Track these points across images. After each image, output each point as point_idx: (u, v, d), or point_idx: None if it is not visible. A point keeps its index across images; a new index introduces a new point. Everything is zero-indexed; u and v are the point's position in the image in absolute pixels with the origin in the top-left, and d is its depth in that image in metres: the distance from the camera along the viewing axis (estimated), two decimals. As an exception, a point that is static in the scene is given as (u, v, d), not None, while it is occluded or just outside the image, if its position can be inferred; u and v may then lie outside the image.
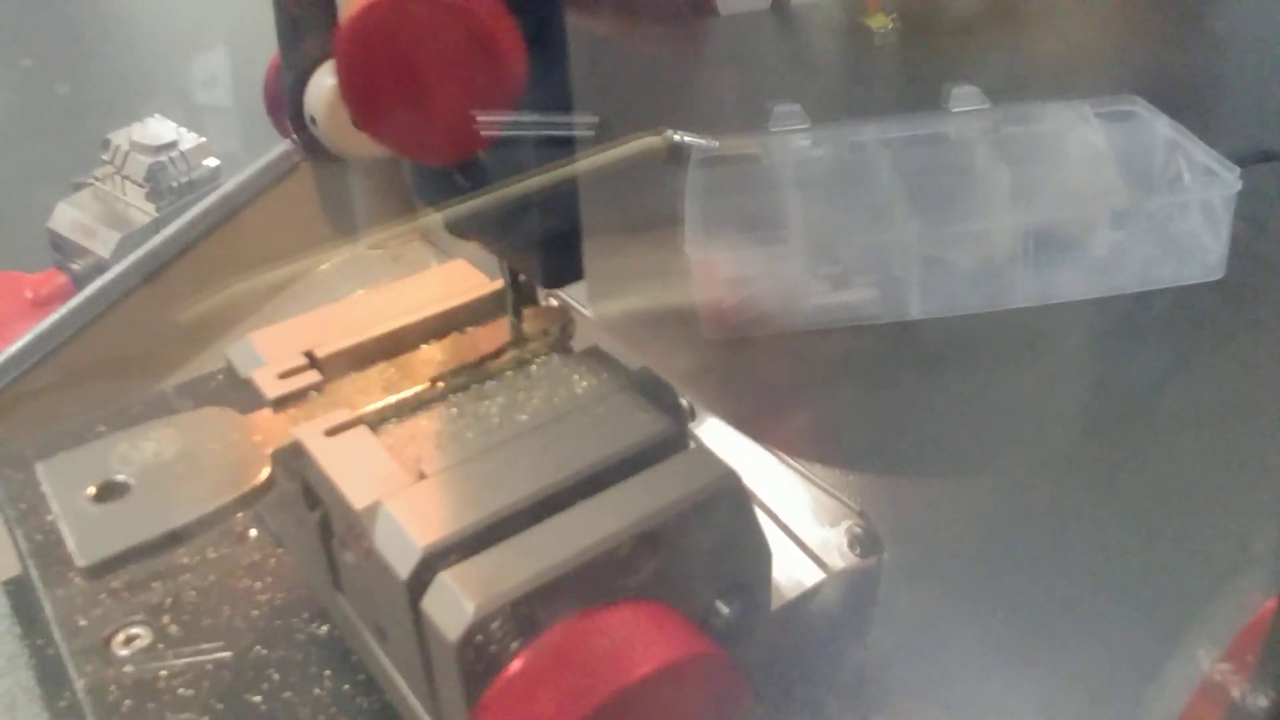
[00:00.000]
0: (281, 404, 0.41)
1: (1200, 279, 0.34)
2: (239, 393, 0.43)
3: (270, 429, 0.40)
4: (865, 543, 0.41)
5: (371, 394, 0.41)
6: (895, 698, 0.41)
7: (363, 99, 0.33)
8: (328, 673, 0.44)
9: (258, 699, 0.43)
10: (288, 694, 0.43)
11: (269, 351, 0.43)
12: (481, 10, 0.32)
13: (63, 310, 0.72)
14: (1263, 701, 0.26)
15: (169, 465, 0.38)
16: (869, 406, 0.35)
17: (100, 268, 1.08)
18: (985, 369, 0.36)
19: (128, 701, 0.43)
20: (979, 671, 0.40)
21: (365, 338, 0.44)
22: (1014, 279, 0.36)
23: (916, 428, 0.35)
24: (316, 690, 0.43)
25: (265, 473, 0.38)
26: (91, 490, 0.37)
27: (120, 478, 0.37)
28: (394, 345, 0.44)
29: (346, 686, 0.43)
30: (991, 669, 0.40)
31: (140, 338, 0.73)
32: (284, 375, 0.42)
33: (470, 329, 0.45)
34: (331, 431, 0.39)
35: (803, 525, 0.42)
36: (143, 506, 0.36)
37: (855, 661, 0.42)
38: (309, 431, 0.39)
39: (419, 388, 0.41)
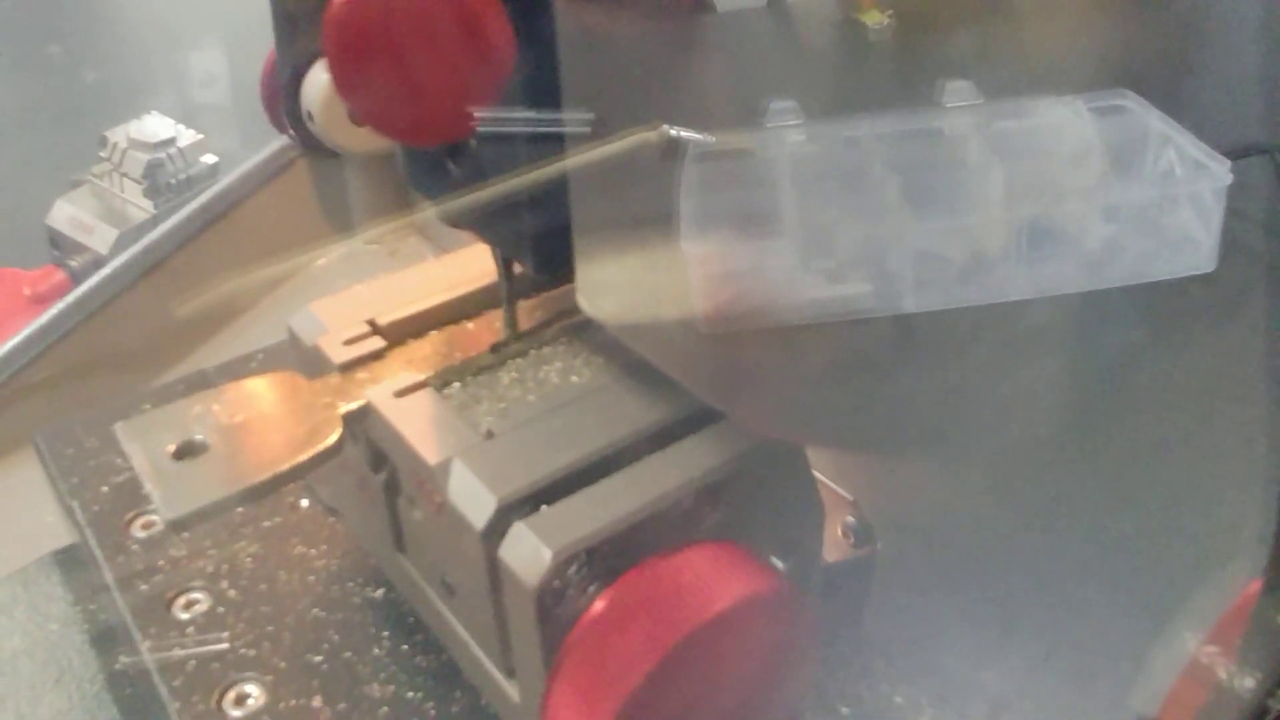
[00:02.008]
0: (348, 369, 0.42)
1: (1191, 271, 0.34)
2: (284, 368, 0.44)
3: (338, 392, 0.41)
4: (859, 533, 0.42)
5: (433, 360, 0.43)
6: (887, 683, 0.41)
7: (351, 79, 0.34)
8: (386, 634, 0.45)
9: (319, 659, 0.44)
10: (348, 654, 0.45)
11: (330, 320, 0.44)
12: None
13: (60, 306, 0.72)
14: (1249, 683, 0.27)
15: (244, 426, 0.39)
16: (863, 394, 0.36)
17: (98, 264, 1.08)
18: (977, 358, 0.36)
19: (192, 661, 0.44)
20: (968, 657, 0.40)
21: (425, 306, 0.45)
22: (1007, 272, 0.36)
23: (908, 415, 0.35)
24: (375, 650, 0.45)
25: (337, 433, 0.39)
26: (171, 448, 0.38)
27: (198, 437, 0.38)
28: (452, 314, 0.46)
29: (404, 646, 0.45)
30: (981, 654, 0.40)
31: (138, 333, 0.73)
32: (349, 342, 0.43)
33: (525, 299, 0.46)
34: (399, 394, 0.40)
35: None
36: (222, 464, 0.38)
37: (848, 649, 0.43)
38: (379, 393, 0.40)
39: (479, 354, 0.42)
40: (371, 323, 0.44)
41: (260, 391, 0.41)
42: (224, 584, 0.48)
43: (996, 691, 0.40)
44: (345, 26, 0.33)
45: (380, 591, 0.47)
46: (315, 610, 0.46)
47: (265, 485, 0.37)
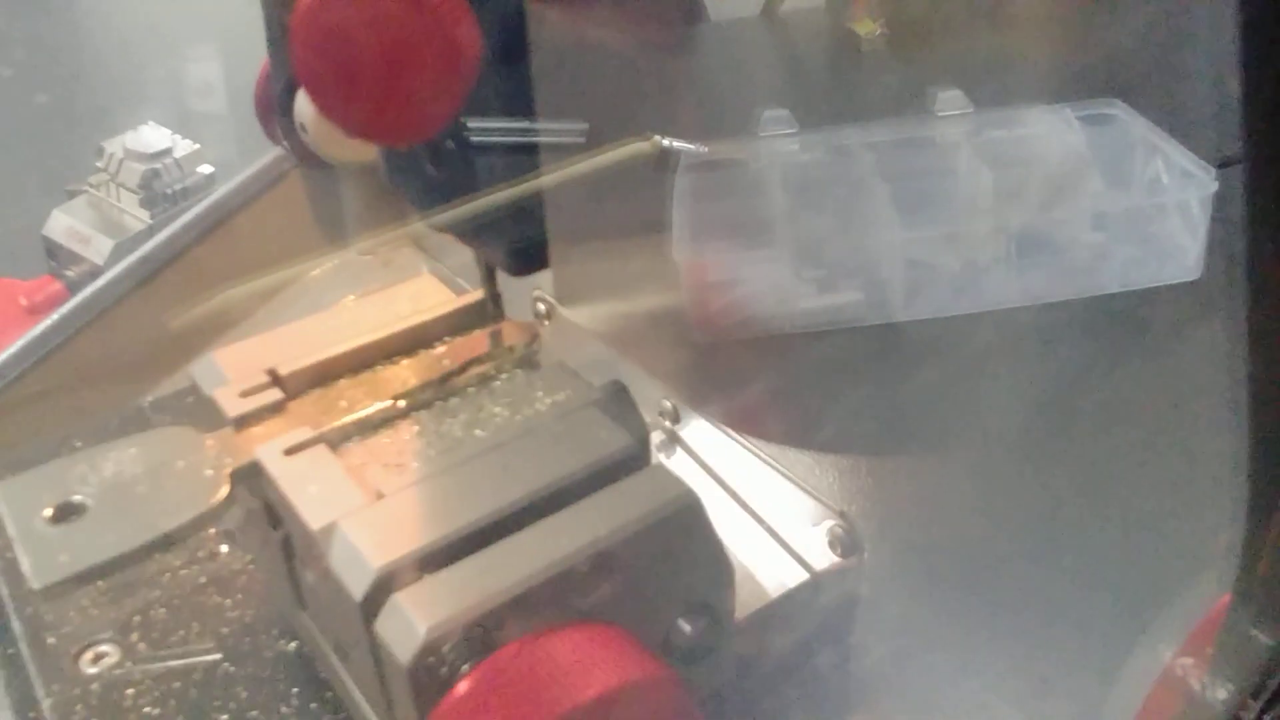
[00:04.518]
0: (243, 423, 0.40)
1: (1178, 279, 0.35)
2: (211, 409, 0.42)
3: (231, 448, 0.39)
4: (846, 543, 0.42)
5: (334, 412, 0.41)
6: (874, 694, 0.41)
7: (317, 79, 0.34)
8: (295, 690, 0.43)
9: (224, 718, 0.42)
10: (254, 713, 0.43)
11: (233, 369, 0.43)
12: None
13: (55, 316, 0.72)
14: (1221, 694, 0.27)
15: (128, 485, 0.38)
16: (851, 401, 0.36)
17: (95, 275, 1.08)
18: (966, 367, 0.36)
19: None
20: (950, 665, 0.40)
21: (329, 355, 0.43)
22: (997, 281, 0.36)
23: (896, 422, 0.35)
24: (283, 708, 0.43)
25: (223, 492, 0.37)
26: (49, 511, 0.37)
27: (78, 498, 0.37)
28: (358, 362, 0.44)
29: (313, 705, 0.43)
30: (957, 661, 0.40)
31: (133, 344, 0.73)
32: (246, 394, 0.41)
33: (436, 345, 0.45)
34: (290, 451, 0.39)
35: (785, 526, 0.43)
36: (99, 527, 0.36)
37: (837, 659, 0.43)
38: (268, 451, 0.39)
39: (382, 405, 0.41)
40: (272, 372, 0.42)
41: (150, 447, 0.39)
42: (134, 636, 0.46)
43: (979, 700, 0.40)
44: (311, 29, 0.32)
45: (293, 645, 0.45)
46: (225, 664, 0.44)
47: (143, 550, 0.35)
